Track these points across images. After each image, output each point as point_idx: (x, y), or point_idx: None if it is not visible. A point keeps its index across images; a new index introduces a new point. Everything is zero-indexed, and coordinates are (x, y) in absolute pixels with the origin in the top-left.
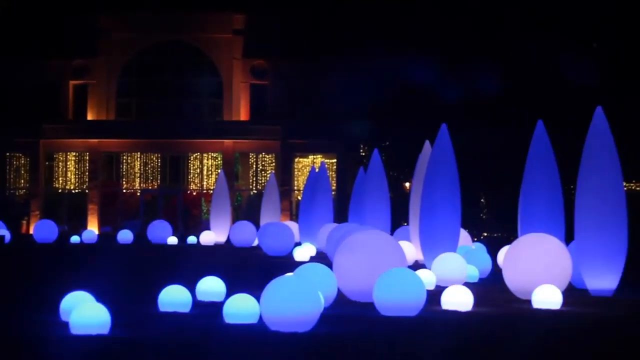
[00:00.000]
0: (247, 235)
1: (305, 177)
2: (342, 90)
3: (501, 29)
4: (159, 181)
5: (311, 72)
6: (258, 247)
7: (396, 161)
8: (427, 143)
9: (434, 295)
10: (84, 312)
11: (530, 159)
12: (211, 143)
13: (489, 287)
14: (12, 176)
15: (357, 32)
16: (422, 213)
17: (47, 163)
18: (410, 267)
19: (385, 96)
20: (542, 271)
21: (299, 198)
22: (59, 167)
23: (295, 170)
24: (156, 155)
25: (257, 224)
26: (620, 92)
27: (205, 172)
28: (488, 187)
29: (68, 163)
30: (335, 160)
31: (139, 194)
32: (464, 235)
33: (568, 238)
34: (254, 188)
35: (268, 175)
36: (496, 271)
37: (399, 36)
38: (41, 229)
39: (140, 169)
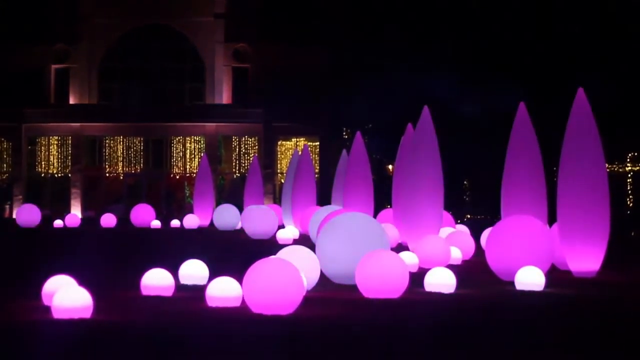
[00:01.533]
0: (230, 218)
1: (288, 160)
2: (324, 73)
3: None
4: (141, 165)
5: (293, 54)
6: (241, 230)
7: (379, 144)
8: (409, 126)
9: (417, 277)
10: (67, 296)
11: (512, 141)
12: (194, 126)
13: (472, 269)
14: None
15: (335, 14)
16: (405, 195)
17: (29, 147)
18: (393, 249)
19: (363, 79)
20: (525, 253)
21: (282, 181)
22: (41, 151)
23: (278, 153)
24: (139, 138)
25: (240, 207)
26: (600, 73)
27: (188, 156)
28: (471, 169)
29: (50, 147)
30: (318, 143)
31: (122, 177)
32: (447, 218)
33: (551, 220)
34: (237, 171)
35: (251, 159)
36: (479, 253)
37: (374, 18)
38: (24, 213)
39: (122, 153)
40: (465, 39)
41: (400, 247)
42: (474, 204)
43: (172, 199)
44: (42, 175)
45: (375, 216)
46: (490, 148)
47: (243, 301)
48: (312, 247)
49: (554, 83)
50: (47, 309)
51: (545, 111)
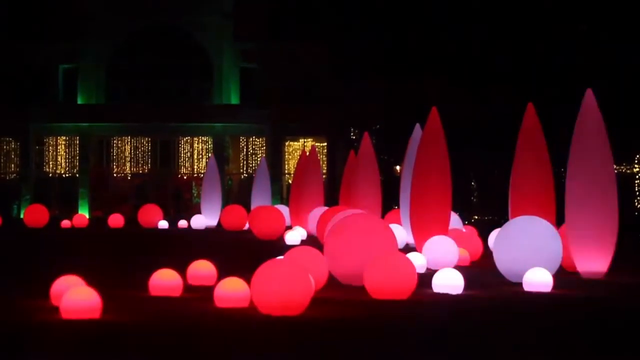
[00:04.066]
0: (237, 219)
1: (296, 161)
2: (330, 73)
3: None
4: (149, 165)
5: (301, 55)
6: (249, 231)
7: (387, 144)
8: (417, 126)
9: (425, 278)
10: (75, 296)
11: (521, 142)
12: (201, 127)
13: (480, 270)
14: (2, 160)
15: (342, 13)
16: (412, 196)
17: (37, 147)
18: (401, 250)
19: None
20: (532, 254)
21: (290, 182)
22: (49, 152)
23: (286, 153)
24: (146, 139)
25: (247, 208)
26: (609, 73)
27: (195, 156)
28: (479, 170)
29: (58, 147)
30: (325, 143)
31: (129, 177)
32: (455, 219)
33: (559, 221)
34: (244, 172)
35: (259, 159)
36: (487, 254)
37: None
38: (32, 214)
39: (130, 153)
40: (466, 37)
41: (408, 248)
42: (482, 204)
43: (180, 199)
44: (50, 175)
45: (383, 217)
46: (498, 148)
47: (251, 302)
48: (320, 248)
49: (562, 84)
50: (56, 309)
51: (553, 111)
